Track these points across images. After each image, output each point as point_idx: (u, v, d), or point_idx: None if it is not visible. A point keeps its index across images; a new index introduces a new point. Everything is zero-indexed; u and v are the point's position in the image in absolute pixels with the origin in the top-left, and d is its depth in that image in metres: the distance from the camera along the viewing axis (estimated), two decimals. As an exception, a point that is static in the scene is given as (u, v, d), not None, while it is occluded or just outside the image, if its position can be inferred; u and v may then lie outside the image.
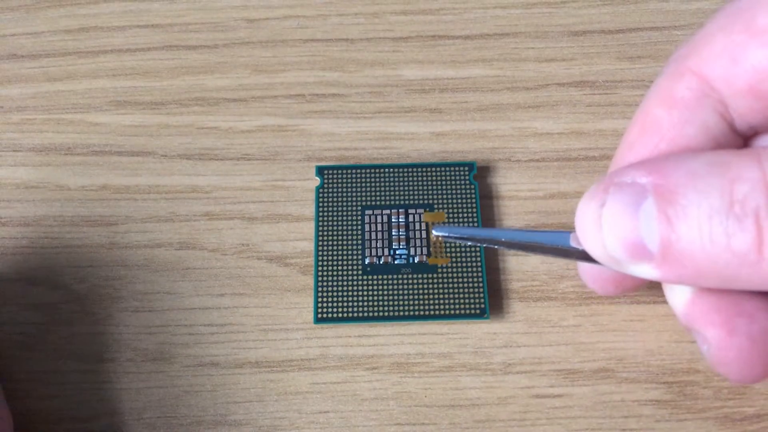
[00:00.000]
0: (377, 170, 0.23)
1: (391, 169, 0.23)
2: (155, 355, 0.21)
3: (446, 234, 0.19)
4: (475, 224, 0.22)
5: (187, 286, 0.22)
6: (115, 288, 0.22)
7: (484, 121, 0.24)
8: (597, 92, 0.25)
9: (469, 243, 0.19)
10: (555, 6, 0.27)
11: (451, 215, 0.22)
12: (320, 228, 0.22)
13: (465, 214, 0.22)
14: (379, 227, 0.22)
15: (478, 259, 0.21)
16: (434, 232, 0.19)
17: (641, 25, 0.26)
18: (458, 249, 0.21)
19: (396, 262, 0.21)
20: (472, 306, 0.21)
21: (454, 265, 0.21)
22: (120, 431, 0.20)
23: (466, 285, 0.21)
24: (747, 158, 0.14)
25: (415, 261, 0.21)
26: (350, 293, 0.21)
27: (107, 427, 0.20)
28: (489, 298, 0.21)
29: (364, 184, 0.23)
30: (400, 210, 0.22)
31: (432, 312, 0.21)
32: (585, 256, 0.16)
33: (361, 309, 0.21)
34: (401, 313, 0.21)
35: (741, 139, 0.17)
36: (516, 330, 0.21)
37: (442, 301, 0.21)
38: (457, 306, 0.21)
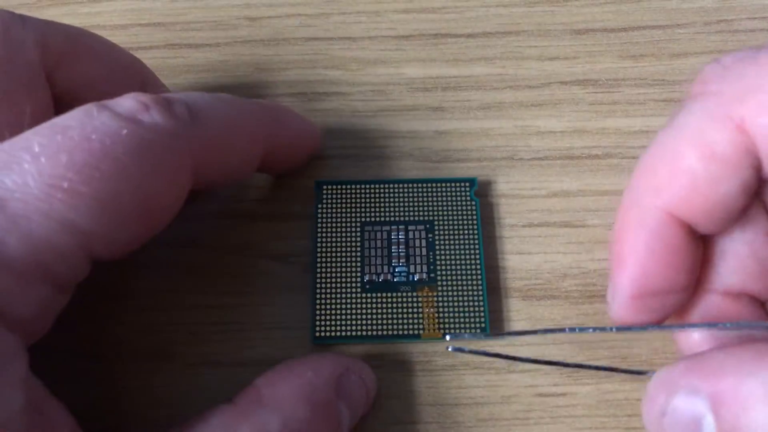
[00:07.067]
0: (377, 186, 0.22)
1: (391, 185, 0.22)
2: (157, 354, 0.20)
3: (464, 349, 0.19)
4: (476, 242, 0.21)
5: (189, 284, 0.21)
6: (117, 286, 0.21)
7: (487, 120, 0.24)
8: (600, 90, 0.25)
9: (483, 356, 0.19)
10: (557, 4, 0.27)
11: (451, 232, 0.22)
12: (319, 244, 0.21)
13: (466, 232, 0.22)
14: (379, 244, 0.21)
15: (479, 275, 0.21)
16: (449, 349, 0.19)
17: (644, 23, 0.26)
18: (457, 265, 0.21)
19: (395, 280, 0.21)
20: (473, 324, 0.20)
21: (454, 283, 0.21)
22: (121, 430, 0.20)
23: (466, 304, 0.21)
24: None
25: (415, 279, 0.21)
26: (349, 311, 0.20)
27: (108, 426, 0.20)
28: (489, 296, 0.21)
29: (363, 200, 0.22)
30: (400, 227, 0.22)
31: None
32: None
33: (359, 328, 0.20)
34: (401, 332, 0.20)
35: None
36: (519, 329, 0.21)
37: (441, 320, 0.20)
38: (457, 325, 0.20)
